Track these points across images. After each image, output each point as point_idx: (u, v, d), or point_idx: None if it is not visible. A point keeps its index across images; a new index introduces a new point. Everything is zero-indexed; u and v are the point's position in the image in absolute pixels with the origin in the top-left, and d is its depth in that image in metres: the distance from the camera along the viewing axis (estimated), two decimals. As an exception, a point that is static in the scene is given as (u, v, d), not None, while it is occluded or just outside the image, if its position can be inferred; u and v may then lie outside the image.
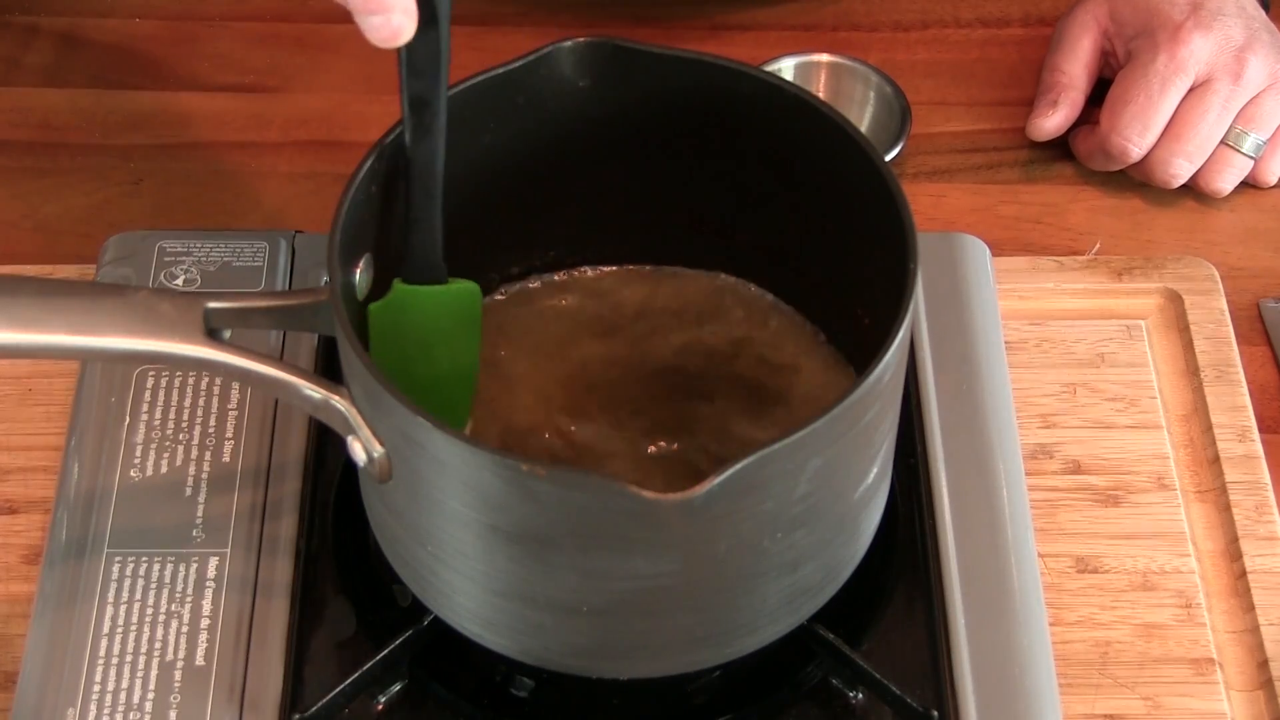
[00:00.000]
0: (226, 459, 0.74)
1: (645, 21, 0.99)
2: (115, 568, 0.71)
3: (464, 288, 0.67)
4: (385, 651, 0.68)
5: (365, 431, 0.61)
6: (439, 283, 0.66)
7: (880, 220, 0.63)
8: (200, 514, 0.72)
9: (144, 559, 0.71)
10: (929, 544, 0.73)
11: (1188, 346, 0.82)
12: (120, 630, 0.69)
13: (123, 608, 0.70)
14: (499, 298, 0.75)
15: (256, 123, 0.94)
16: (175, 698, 0.68)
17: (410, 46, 0.60)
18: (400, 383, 0.58)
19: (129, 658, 0.69)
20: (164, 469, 0.74)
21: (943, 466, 0.75)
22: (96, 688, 0.68)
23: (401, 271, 0.65)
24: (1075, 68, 0.92)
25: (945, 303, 0.80)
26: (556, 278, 0.75)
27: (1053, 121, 0.91)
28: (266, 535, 0.72)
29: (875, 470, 0.64)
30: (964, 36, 1.00)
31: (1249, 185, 0.91)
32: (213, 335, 0.62)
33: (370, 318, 0.65)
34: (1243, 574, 0.75)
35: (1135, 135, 0.87)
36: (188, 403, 0.76)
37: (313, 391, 0.61)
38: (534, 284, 0.75)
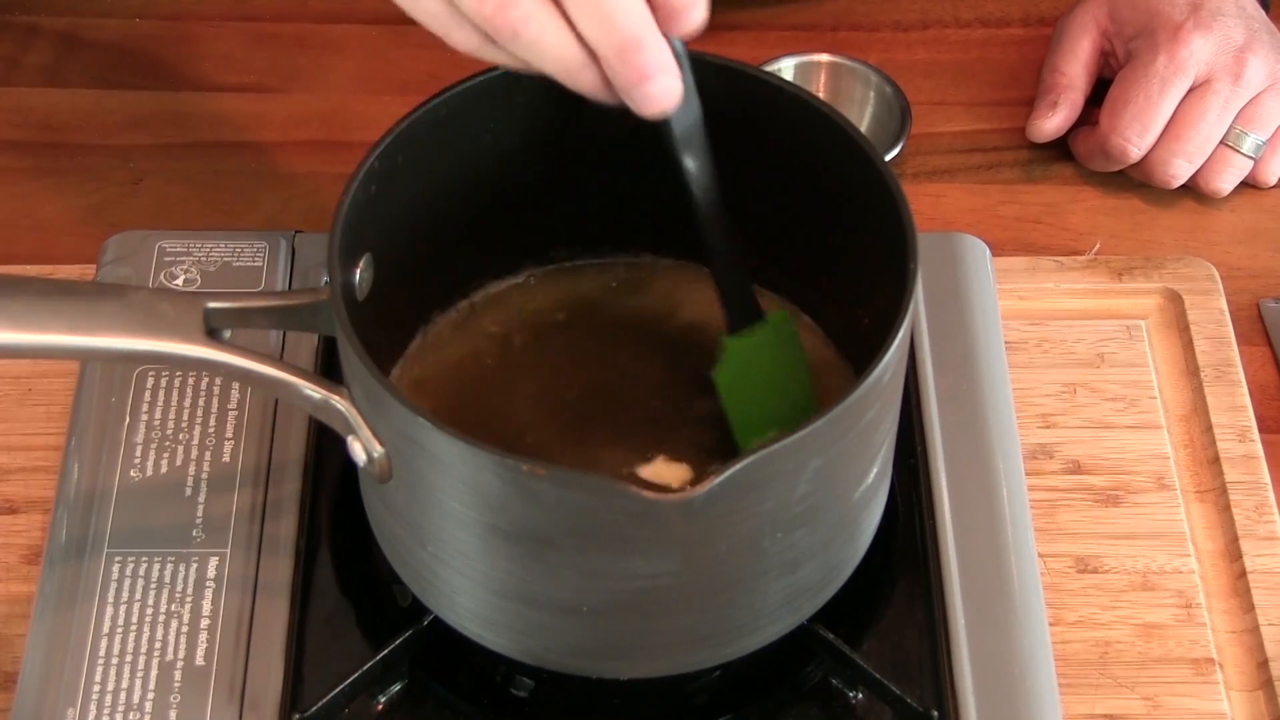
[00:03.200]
0: (226, 459, 0.74)
1: (645, 21, 0.98)
2: (115, 568, 0.71)
3: (778, 318, 0.69)
4: (385, 651, 0.68)
5: (365, 431, 0.61)
6: (759, 320, 0.68)
7: (880, 220, 0.63)
8: (200, 514, 0.72)
9: (144, 559, 0.71)
10: (929, 544, 0.73)
11: (1188, 346, 0.82)
12: (120, 630, 0.69)
13: (123, 608, 0.70)
14: (496, 294, 0.75)
15: (256, 123, 0.94)
16: (175, 698, 0.68)
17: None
18: (763, 428, 0.62)
19: (129, 658, 0.69)
20: (164, 469, 0.74)
21: (943, 466, 0.75)
22: (96, 688, 0.68)
23: (727, 326, 0.68)
24: (1075, 68, 0.92)
25: (945, 303, 0.80)
26: (554, 275, 0.75)
27: (1053, 122, 0.91)
28: (266, 535, 0.72)
29: (875, 470, 0.64)
30: (964, 36, 1.00)
31: (1249, 185, 0.91)
32: (213, 335, 0.62)
33: (718, 384, 0.68)
34: (1243, 574, 0.75)
35: (1135, 136, 0.87)
36: (188, 403, 0.76)
37: (313, 391, 0.61)
38: (532, 281, 0.75)
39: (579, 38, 0.57)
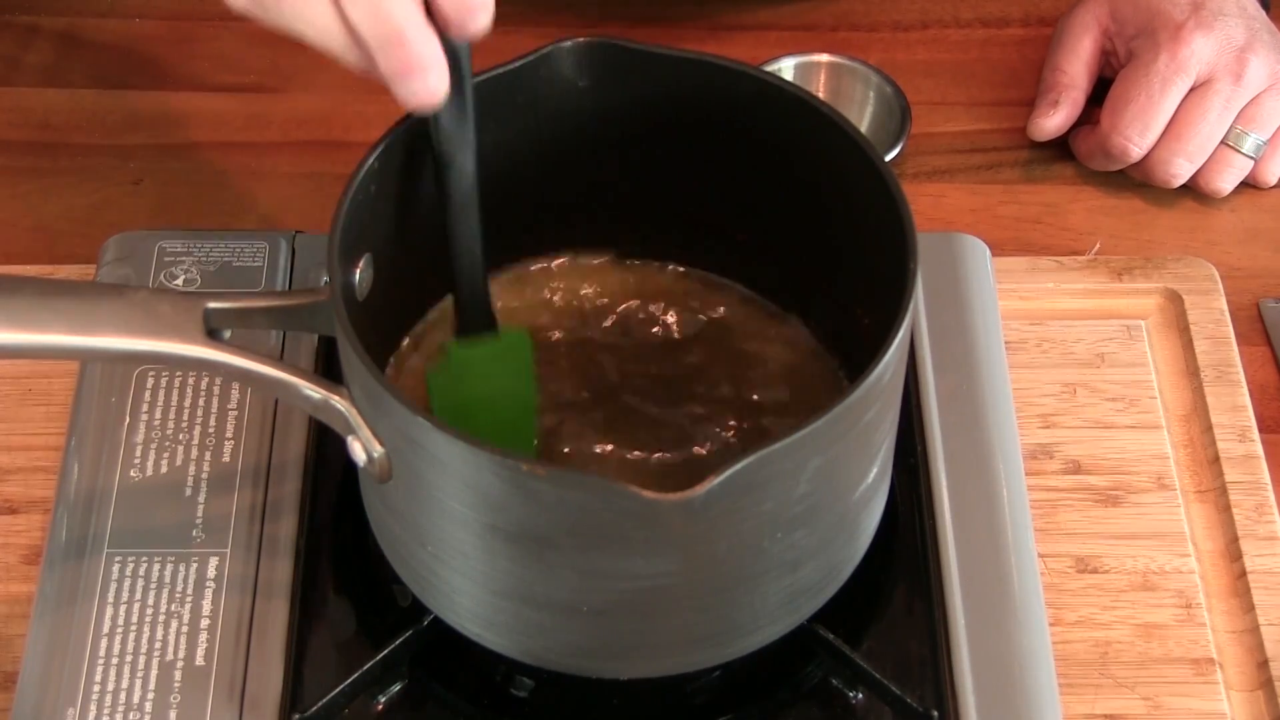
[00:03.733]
0: (226, 459, 0.74)
1: (645, 21, 0.98)
2: (115, 568, 0.71)
3: (516, 339, 0.68)
4: (385, 651, 0.68)
5: (365, 431, 0.61)
6: (491, 332, 0.67)
7: (880, 220, 0.63)
8: (200, 514, 0.72)
9: (144, 559, 0.71)
10: (929, 544, 0.73)
11: (1188, 346, 0.82)
12: (120, 630, 0.69)
13: (123, 608, 0.70)
14: (495, 294, 0.75)
15: (256, 123, 0.94)
16: (175, 698, 0.68)
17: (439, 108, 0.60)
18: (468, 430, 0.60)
19: (129, 658, 0.69)
20: (164, 469, 0.74)
21: (943, 466, 0.75)
22: (96, 688, 0.68)
23: (456, 329, 0.67)
24: (1076, 67, 0.92)
25: (945, 303, 0.80)
26: (553, 272, 0.75)
27: (1054, 121, 0.91)
28: (266, 535, 0.72)
29: (875, 470, 0.64)
30: (964, 36, 1.00)
31: (1249, 185, 0.91)
32: (213, 335, 0.62)
33: (430, 384, 0.67)
34: (1243, 574, 0.75)
35: (1136, 135, 0.87)
36: (188, 403, 0.76)
37: (313, 391, 0.62)
38: (531, 280, 0.75)
39: (345, 19, 0.56)
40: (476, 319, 0.67)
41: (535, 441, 0.69)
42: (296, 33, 0.57)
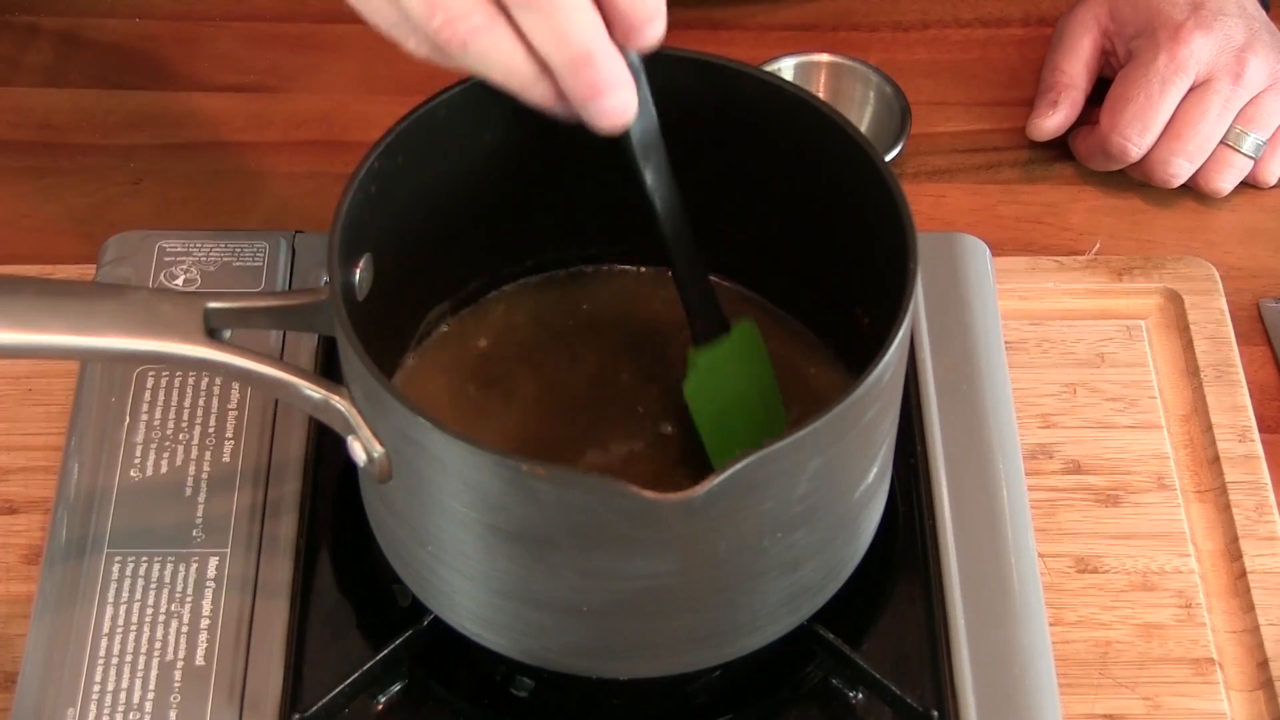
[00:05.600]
0: (226, 459, 0.74)
1: (645, 21, 0.98)
2: (115, 568, 0.71)
3: (746, 329, 0.68)
4: (385, 651, 0.68)
5: (365, 431, 0.61)
6: (725, 332, 0.68)
7: (880, 220, 0.63)
8: (200, 514, 0.72)
9: (144, 559, 0.71)
10: (929, 544, 0.73)
11: (1188, 346, 0.82)
12: (120, 630, 0.69)
13: (123, 608, 0.70)
14: (496, 295, 0.75)
15: (256, 123, 0.94)
16: (175, 698, 0.68)
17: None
18: (728, 436, 0.62)
19: (129, 658, 0.69)
20: (164, 469, 0.74)
21: (943, 466, 0.75)
22: (96, 688, 0.68)
23: (692, 338, 0.68)
24: (1076, 67, 0.92)
25: (945, 303, 0.80)
26: (554, 275, 0.75)
27: (1053, 121, 0.91)
28: (266, 535, 0.72)
29: (875, 470, 0.64)
30: (964, 36, 1.00)
31: (1249, 185, 0.91)
32: (213, 335, 0.62)
33: (690, 399, 0.67)
34: (1243, 574, 0.75)
35: (1135, 135, 0.87)
36: (188, 403, 0.76)
37: (313, 391, 0.62)
38: (533, 282, 0.75)
39: (531, 51, 0.57)
40: (709, 324, 0.67)
41: (787, 422, 0.69)
42: (481, 73, 0.57)
